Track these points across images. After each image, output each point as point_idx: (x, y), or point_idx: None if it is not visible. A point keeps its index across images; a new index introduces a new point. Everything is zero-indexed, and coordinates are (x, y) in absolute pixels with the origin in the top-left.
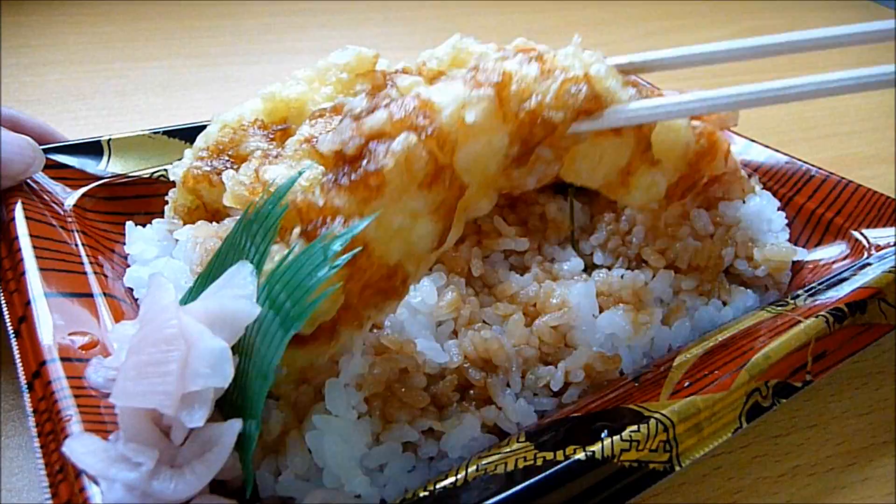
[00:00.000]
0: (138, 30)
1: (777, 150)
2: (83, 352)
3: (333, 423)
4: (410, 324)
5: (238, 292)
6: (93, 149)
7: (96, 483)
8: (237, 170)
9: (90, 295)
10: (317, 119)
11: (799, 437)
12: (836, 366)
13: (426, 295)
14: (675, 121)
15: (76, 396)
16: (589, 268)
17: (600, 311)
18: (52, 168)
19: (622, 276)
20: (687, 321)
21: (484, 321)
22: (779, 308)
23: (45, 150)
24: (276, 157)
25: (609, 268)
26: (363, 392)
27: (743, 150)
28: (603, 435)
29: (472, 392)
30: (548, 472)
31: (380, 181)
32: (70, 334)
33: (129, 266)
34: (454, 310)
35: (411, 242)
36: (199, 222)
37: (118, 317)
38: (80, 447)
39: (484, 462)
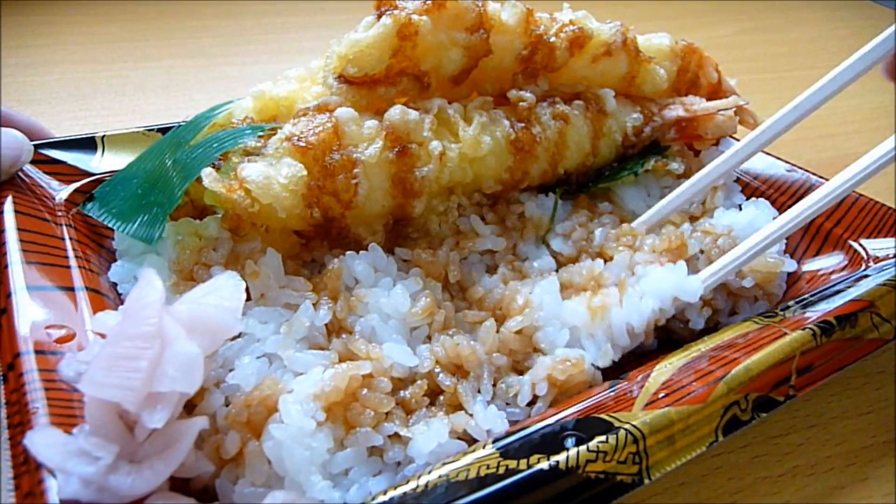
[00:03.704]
0: (138, 30)
1: (778, 158)
2: (58, 345)
3: (291, 432)
4: (382, 329)
5: (225, 303)
6: (87, 145)
7: (54, 476)
8: (219, 168)
9: (72, 289)
10: (300, 118)
11: (799, 437)
12: (822, 380)
13: (399, 302)
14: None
15: (46, 389)
16: (561, 265)
17: None
18: (45, 163)
19: (583, 269)
20: (635, 291)
21: (458, 327)
22: (767, 319)
23: (40, 146)
24: (259, 155)
25: (575, 260)
26: (319, 402)
27: None
28: (569, 444)
29: (442, 398)
30: (509, 481)
31: None
32: (47, 327)
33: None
34: (428, 315)
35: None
36: (182, 219)
37: (99, 311)
38: (41, 440)
39: (447, 468)
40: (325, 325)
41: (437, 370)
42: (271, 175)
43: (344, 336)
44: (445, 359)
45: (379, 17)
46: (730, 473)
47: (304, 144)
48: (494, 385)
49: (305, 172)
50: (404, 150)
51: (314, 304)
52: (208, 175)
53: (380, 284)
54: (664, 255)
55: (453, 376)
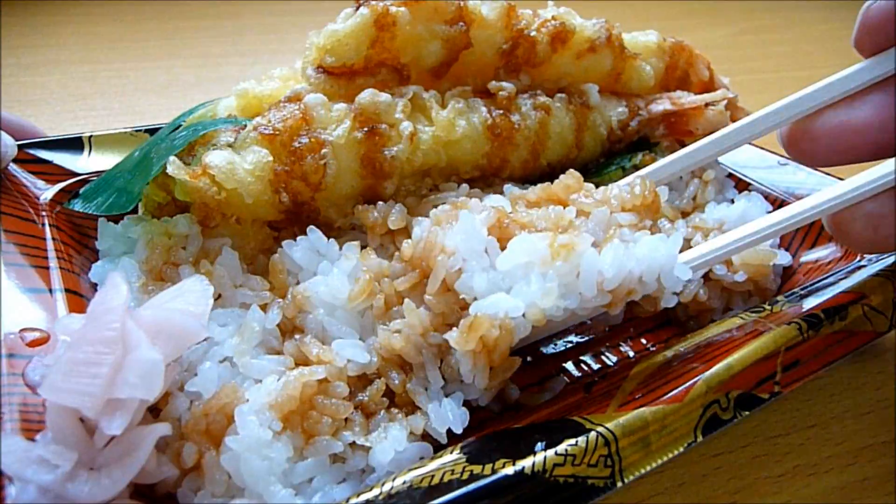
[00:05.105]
0: (138, 30)
1: (770, 151)
2: (31, 348)
3: (248, 443)
4: (330, 324)
5: (191, 308)
6: (73, 145)
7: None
8: (189, 164)
9: (50, 290)
10: (271, 110)
11: (799, 437)
12: (810, 376)
13: (337, 288)
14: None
15: (12, 394)
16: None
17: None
18: (31, 163)
19: (551, 213)
20: (624, 248)
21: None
22: (753, 314)
23: (27, 145)
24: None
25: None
26: (275, 412)
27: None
28: (537, 448)
29: (397, 397)
30: (471, 487)
31: None
32: (21, 330)
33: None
34: (368, 296)
35: None
36: (152, 220)
37: (76, 312)
38: (1, 447)
39: (412, 474)
40: (278, 325)
41: (387, 368)
42: (235, 160)
43: (297, 336)
44: (386, 353)
45: (357, 8)
46: (730, 473)
47: (269, 131)
48: (442, 367)
49: (271, 158)
50: (373, 130)
51: (263, 306)
52: (172, 163)
53: (319, 271)
54: (642, 212)
55: (401, 371)
